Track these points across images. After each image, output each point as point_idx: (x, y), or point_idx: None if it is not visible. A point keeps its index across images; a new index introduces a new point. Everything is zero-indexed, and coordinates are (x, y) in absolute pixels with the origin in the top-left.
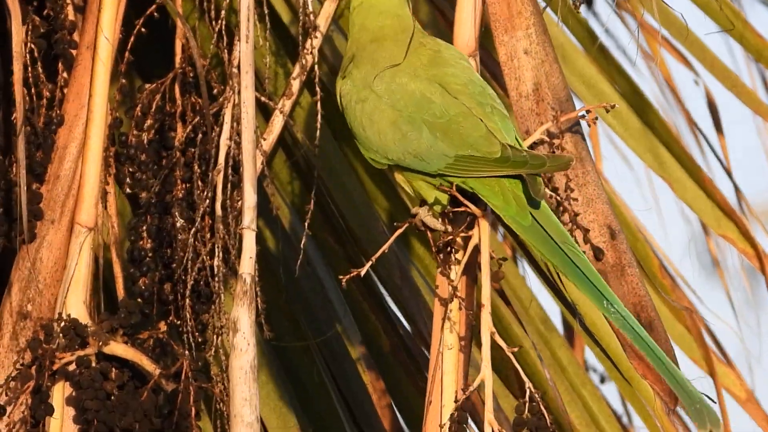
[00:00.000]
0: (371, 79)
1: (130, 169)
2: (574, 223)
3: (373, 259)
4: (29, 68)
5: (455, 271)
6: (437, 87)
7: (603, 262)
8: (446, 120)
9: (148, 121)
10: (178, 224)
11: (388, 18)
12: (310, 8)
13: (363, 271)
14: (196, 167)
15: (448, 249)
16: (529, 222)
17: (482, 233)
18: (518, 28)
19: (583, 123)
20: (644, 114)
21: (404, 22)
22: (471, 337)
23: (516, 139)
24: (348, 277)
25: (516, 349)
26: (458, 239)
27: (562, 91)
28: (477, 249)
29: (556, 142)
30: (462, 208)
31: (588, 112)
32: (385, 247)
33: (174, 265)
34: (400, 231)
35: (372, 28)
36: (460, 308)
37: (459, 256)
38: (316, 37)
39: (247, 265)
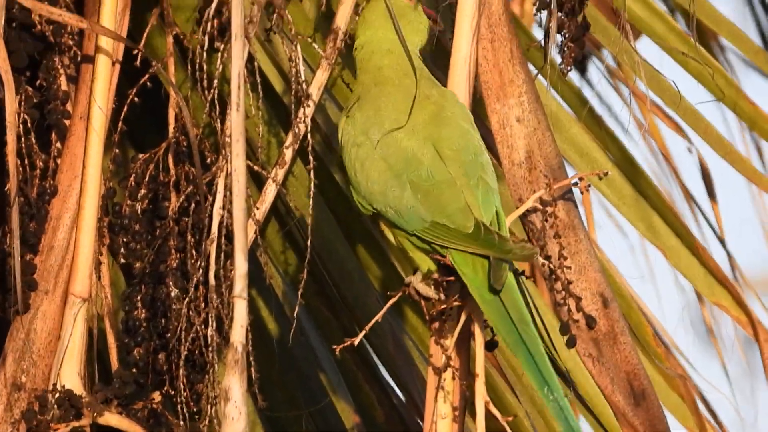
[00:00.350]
0: (370, 125)
1: (124, 239)
2: (567, 291)
3: (367, 328)
4: (22, 138)
5: (449, 340)
6: (430, 148)
7: (595, 330)
8: (430, 184)
9: (142, 191)
10: (172, 294)
11: (385, 57)
12: (303, 77)
13: (356, 341)
14: (189, 237)
15: (442, 317)
16: (490, 297)
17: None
18: (510, 96)
19: (576, 190)
20: (637, 182)
21: (404, 63)
22: (465, 407)
23: (497, 214)
24: (341, 346)
25: (510, 419)
26: (452, 308)
27: (555, 159)
28: (470, 317)
29: (549, 209)
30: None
31: (580, 179)
32: (379, 316)
33: (168, 334)
34: (393, 300)
35: (372, 69)
36: (453, 378)
37: (452, 324)
38: (308, 106)
39: (239, 334)
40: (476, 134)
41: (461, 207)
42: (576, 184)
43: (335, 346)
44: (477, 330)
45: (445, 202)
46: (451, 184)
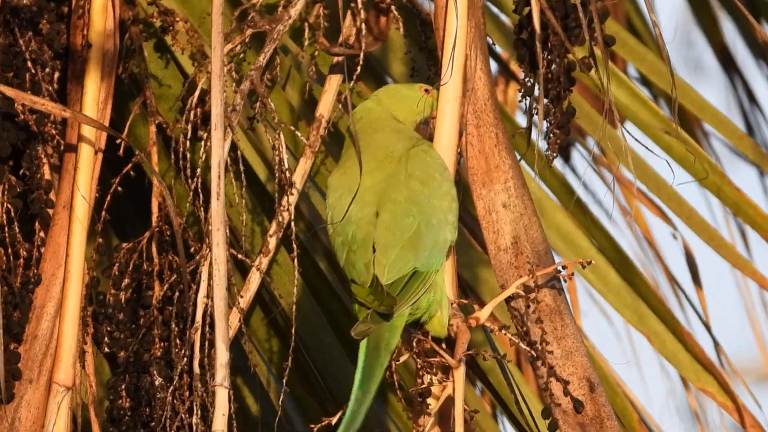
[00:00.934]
0: (333, 189)
1: (108, 328)
2: (552, 375)
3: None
4: (6, 228)
5: (428, 422)
6: (370, 210)
7: (582, 415)
8: (352, 245)
9: (126, 280)
10: (156, 383)
11: (370, 118)
12: (286, 165)
13: (334, 420)
14: (173, 325)
15: (420, 399)
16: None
17: (456, 384)
18: (496, 182)
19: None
20: (622, 268)
21: (384, 120)
22: None
23: (414, 274)
24: (319, 426)
25: None
26: (432, 389)
27: (542, 245)
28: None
29: (532, 295)
30: (437, 359)
31: (564, 267)
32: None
33: (153, 423)
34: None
35: (358, 129)
36: None
37: (432, 406)
38: (292, 194)
39: (220, 422)
40: (437, 189)
41: (365, 263)
42: (560, 271)
43: (313, 426)
44: (457, 412)
45: (354, 260)
46: (366, 245)
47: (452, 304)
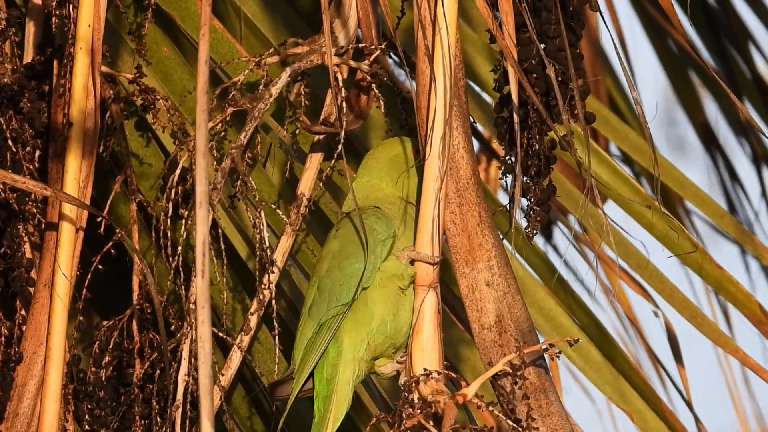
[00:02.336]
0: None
1: (89, 406)
2: None
3: None
4: None
5: None
6: (313, 287)
7: None
8: None
9: (106, 358)
10: None
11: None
12: (267, 243)
13: None
14: (154, 403)
15: None
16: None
17: None
18: (479, 260)
19: (546, 355)
20: (604, 346)
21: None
22: None
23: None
24: None
25: None
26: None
27: (525, 323)
28: None
29: (519, 372)
30: None
31: (551, 345)
32: None
33: None
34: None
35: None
36: None
37: None
38: (273, 272)
39: None
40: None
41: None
42: (546, 350)
43: None
44: None
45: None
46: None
47: (432, 374)
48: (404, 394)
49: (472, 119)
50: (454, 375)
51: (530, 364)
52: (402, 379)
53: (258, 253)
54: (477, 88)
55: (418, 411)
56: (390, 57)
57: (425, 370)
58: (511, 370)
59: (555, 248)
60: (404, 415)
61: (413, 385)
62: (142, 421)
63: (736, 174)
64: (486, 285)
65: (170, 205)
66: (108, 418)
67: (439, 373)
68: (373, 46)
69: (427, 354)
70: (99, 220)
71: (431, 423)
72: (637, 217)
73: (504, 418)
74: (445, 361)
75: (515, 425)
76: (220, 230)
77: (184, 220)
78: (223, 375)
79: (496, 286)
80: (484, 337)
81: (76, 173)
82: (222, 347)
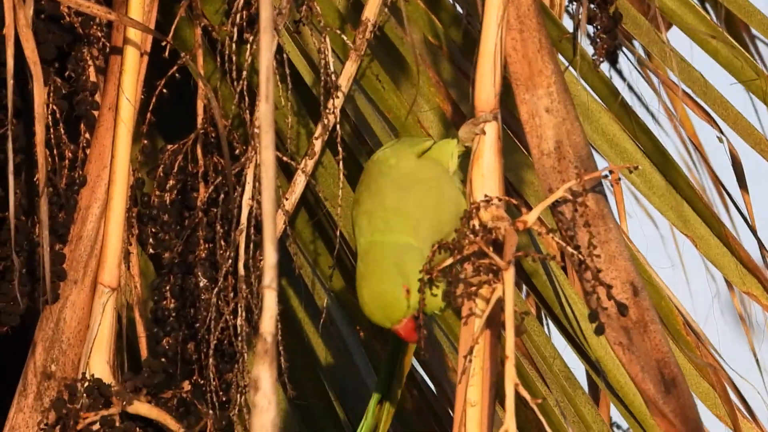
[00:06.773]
0: None
1: (153, 230)
2: (597, 279)
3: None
4: (51, 129)
5: (477, 324)
6: None
7: (626, 319)
8: None
9: (171, 182)
10: (201, 284)
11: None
12: (332, 68)
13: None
14: (218, 227)
15: (471, 300)
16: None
17: (506, 286)
18: (539, 87)
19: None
20: (667, 171)
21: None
22: (495, 395)
23: None
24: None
25: (540, 401)
26: (481, 291)
27: (584, 149)
28: (500, 303)
29: (579, 199)
30: (486, 260)
31: (611, 172)
32: None
33: (197, 324)
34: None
35: None
36: (483, 364)
37: (481, 308)
38: (337, 97)
39: (268, 324)
40: None
41: None
42: (606, 176)
43: (359, 327)
44: (507, 314)
45: None
46: None
47: (493, 201)
48: (464, 221)
49: None
50: (514, 202)
51: (589, 191)
52: None
53: (322, 78)
54: None
55: (479, 237)
56: None
57: (486, 196)
58: (571, 197)
59: (620, 73)
60: (465, 243)
61: (474, 211)
62: (206, 245)
63: None
64: (545, 111)
65: (235, 29)
66: (172, 241)
67: (500, 200)
68: None
69: (487, 180)
70: (163, 44)
71: (491, 249)
72: (702, 44)
73: (564, 244)
74: (509, 184)
75: (576, 251)
76: (285, 55)
77: (248, 45)
78: (287, 199)
79: (555, 112)
80: (544, 163)
81: None
82: (286, 171)
